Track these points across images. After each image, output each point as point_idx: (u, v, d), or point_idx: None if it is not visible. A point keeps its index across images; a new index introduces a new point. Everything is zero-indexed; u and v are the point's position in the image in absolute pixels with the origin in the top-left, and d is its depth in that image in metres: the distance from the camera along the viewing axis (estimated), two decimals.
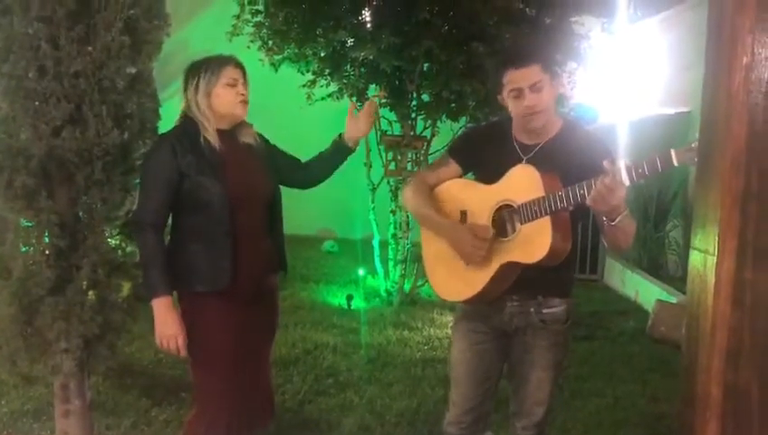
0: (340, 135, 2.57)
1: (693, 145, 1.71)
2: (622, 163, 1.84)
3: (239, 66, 2.40)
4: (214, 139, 2.33)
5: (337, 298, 6.34)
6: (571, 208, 2.02)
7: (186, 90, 2.37)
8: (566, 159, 2.11)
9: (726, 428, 1.44)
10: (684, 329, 1.61)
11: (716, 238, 1.46)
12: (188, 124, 2.35)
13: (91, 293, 2.67)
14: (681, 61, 7.10)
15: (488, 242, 2.16)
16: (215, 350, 2.35)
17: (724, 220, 1.44)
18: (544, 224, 2.05)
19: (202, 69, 2.34)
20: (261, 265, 2.44)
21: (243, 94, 2.37)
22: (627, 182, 1.84)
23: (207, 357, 2.35)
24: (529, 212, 2.08)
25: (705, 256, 1.51)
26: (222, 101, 2.33)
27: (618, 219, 1.98)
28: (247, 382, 2.43)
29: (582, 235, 2.31)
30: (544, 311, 2.27)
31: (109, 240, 2.72)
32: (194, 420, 2.42)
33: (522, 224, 2.10)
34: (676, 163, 1.76)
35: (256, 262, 2.40)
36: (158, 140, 2.40)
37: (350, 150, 2.58)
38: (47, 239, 2.59)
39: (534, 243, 2.08)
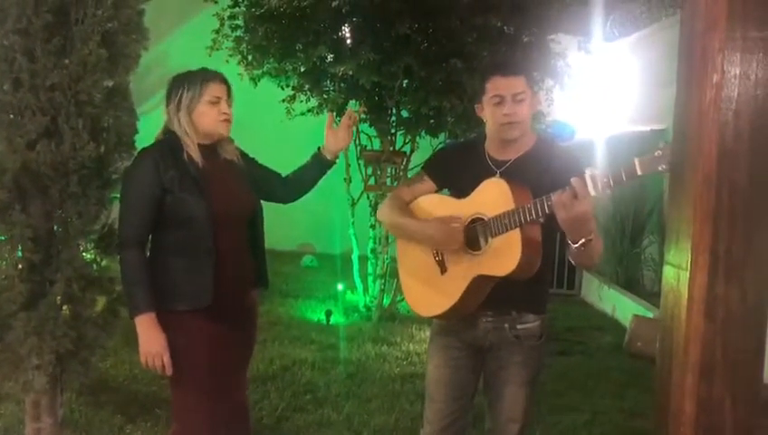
0: (319, 148, 2.57)
1: (656, 153, 1.74)
2: (587, 173, 1.86)
3: (224, 82, 2.35)
4: (196, 155, 2.29)
5: (316, 313, 6.31)
6: (541, 220, 2.03)
7: (167, 105, 2.32)
8: (538, 174, 2.13)
9: None
10: (658, 344, 1.63)
11: (689, 254, 1.48)
12: (171, 139, 2.31)
13: (65, 308, 2.64)
14: (656, 79, 7.22)
15: (460, 227, 2.17)
16: (195, 369, 2.30)
17: (697, 236, 1.46)
18: (514, 236, 2.06)
19: (184, 85, 2.29)
20: (242, 281, 2.41)
21: (226, 113, 2.32)
22: (592, 192, 1.86)
23: (187, 376, 2.30)
24: (499, 225, 2.09)
25: (679, 271, 1.53)
26: (204, 119, 2.29)
27: (580, 242, 1.97)
28: (226, 400, 2.39)
29: (560, 250, 2.32)
30: (518, 327, 2.27)
31: (84, 254, 2.69)
32: None
33: (492, 237, 2.12)
34: (639, 172, 1.77)
35: (238, 279, 2.37)
36: (140, 155, 2.33)
37: (330, 163, 2.57)
38: (20, 253, 2.56)
39: (504, 256, 2.08)
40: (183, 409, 2.36)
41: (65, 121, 2.53)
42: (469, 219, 2.19)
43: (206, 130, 2.30)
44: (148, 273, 2.25)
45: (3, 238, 2.56)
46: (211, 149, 2.35)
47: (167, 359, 2.23)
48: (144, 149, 2.36)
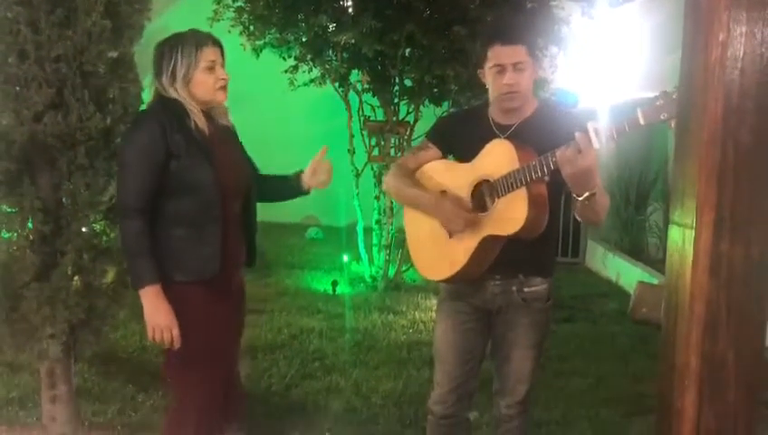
0: (299, 173, 2.42)
1: (657, 103, 1.75)
2: (590, 126, 1.87)
3: (217, 44, 2.20)
4: (202, 122, 2.17)
5: (322, 284, 6.36)
6: (546, 178, 2.05)
7: (159, 75, 2.17)
8: (542, 136, 2.12)
9: (703, 395, 1.48)
10: (663, 302, 1.65)
11: (694, 212, 1.49)
12: (170, 103, 2.16)
13: (75, 278, 2.67)
14: (662, 45, 7.15)
15: (468, 209, 2.19)
16: (197, 343, 2.20)
17: (702, 194, 1.47)
18: (520, 195, 2.08)
19: (177, 52, 2.14)
20: (240, 254, 2.33)
21: (223, 79, 2.20)
22: (596, 145, 1.87)
23: (189, 351, 2.19)
24: (505, 185, 2.11)
25: (684, 230, 1.55)
26: (201, 87, 2.16)
27: (584, 196, 1.99)
28: (222, 375, 2.33)
29: (564, 218, 2.34)
30: (526, 290, 2.30)
31: (93, 225, 2.72)
32: (176, 415, 2.31)
33: (498, 197, 2.14)
34: (642, 122, 1.81)
35: (238, 251, 2.31)
36: (142, 117, 2.17)
37: (303, 193, 2.44)
38: (30, 225, 2.58)
39: (511, 214, 2.11)
40: (184, 386, 2.28)
41: (71, 93, 2.54)
42: (475, 182, 2.21)
43: (203, 98, 2.18)
44: (152, 242, 2.13)
45: (13, 211, 2.58)
46: (207, 115, 2.22)
47: (176, 332, 2.14)
48: (145, 111, 2.21)
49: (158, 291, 2.12)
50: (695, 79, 1.53)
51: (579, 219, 2.18)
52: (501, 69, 2.18)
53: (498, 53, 2.18)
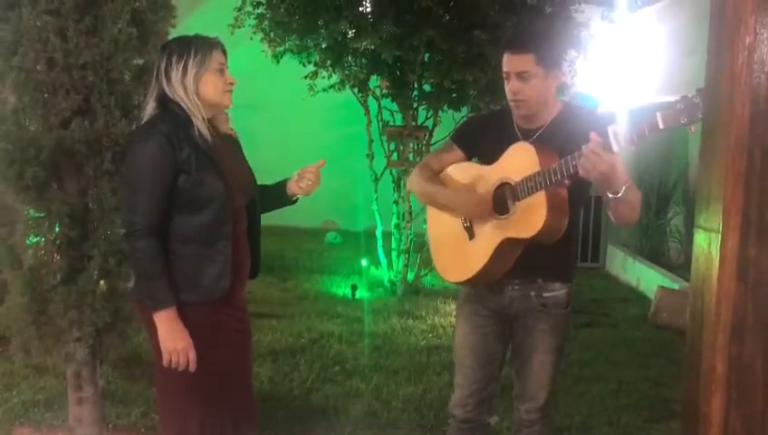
0: (283, 182, 2.33)
1: (677, 106, 1.75)
2: (609, 130, 1.87)
3: (224, 51, 2.15)
4: (205, 130, 2.07)
5: (341, 289, 6.38)
6: (566, 181, 2.05)
7: (167, 72, 2.06)
8: (568, 138, 2.12)
9: (730, 399, 1.48)
10: (689, 307, 1.65)
11: (721, 216, 1.49)
12: (174, 111, 2.06)
13: (101, 282, 2.71)
14: (681, 48, 7.11)
15: (489, 206, 2.20)
16: (208, 367, 2.08)
17: (728, 198, 1.47)
18: (540, 199, 2.09)
19: (191, 49, 2.06)
20: (247, 269, 2.25)
21: (231, 82, 2.14)
22: (615, 148, 1.88)
23: (184, 375, 2.06)
24: (525, 188, 2.11)
25: (710, 235, 1.55)
26: (210, 88, 2.08)
27: (620, 193, 1.99)
28: (227, 400, 2.19)
29: (584, 222, 2.34)
30: (545, 295, 2.29)
31: (118, 230, 2.75)
32: None
33: (518, 200, 2.14)
34: (662, 126, 1.79)
35: (246, 266, 2.23)
36: (148, 131, 2.05)
37: (289, 203, 2.34)
38: (58, 229, 2.62)
39: (530, 218, 2.11)
40: (174, 413, 2.15)
41: (98, 100, 2.58)
42: (497, 184, 2.22)
43: (211, 100, 2.09)
44: (166, 263, 2.04)
45: (41, 215, 2.62)
46: (209, 124, 2.12)
47: (192, 355, 2.04)
48: (150, 123, 2.08)
49: (174, 313, 2.04)
50: (721, 83, 1.53)
51: (614, 220, 2.17)
52: (507, 77, 2.21)
53: (506, 61, 2.21)
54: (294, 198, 2.32)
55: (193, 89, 2.06)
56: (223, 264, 2.08)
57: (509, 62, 2.19)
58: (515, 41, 2.26)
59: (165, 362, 2.04)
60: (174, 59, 2.06)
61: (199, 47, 2.07)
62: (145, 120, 2.10)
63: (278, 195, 2.32)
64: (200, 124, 2.06)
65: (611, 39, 7.01)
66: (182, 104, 2.05)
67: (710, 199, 1.56)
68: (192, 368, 2.05)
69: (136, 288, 2.15)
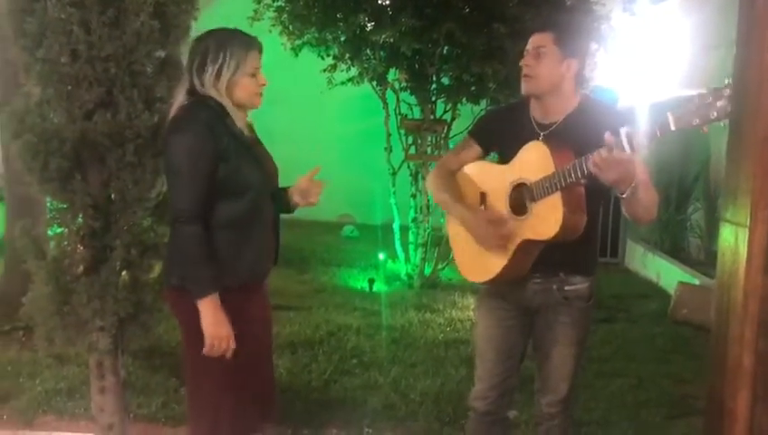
0: (286, 189, 2.34)
1: (690, 107, 1.72)
2: (622, 132, 1.85)
3: (261, 50, 2.17)
4: (241, 121, 2.14)
5: (358, 282, 6.39)
6: (582, 182, 2.04)
7: (200, 70, 2.10)
8: (583, 135, 2.10)
9: (757, 394, 1.46)
10: (714, 301, 1.63)
11: (749, 210, 1.47)
12: (209, 104, 2.11)
13: (124, 273, 2.73)
14: (704, 41, 7.02)
15: (504, 228, 2.20)
16: (239, 350, 2.12)
17: (757, 191, 1.46)
18: (555, 200, 2.08)
19: (225, 51, 2.09)
20: (273, 255, 2.30)
21: (263, 84, 2.17)
22: (627, 150, 1.86)
23: (226, 368, 2.12)
24: (540, 189, 2.11)
25: (737, 229, 1.53)
26: (243, 91, 2.12)
27: (627, 192, 1.98)
28: (250, 386, 2.23)
29: (603, 218, 2.32)
30: (566, 288, 2.29)
31: (141, 221, 2.77)
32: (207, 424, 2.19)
33: (535, 202, 2.13)
34: (673, 127, 1.77)
35: (272, 252, 2.29)
36: (191, 120, 2.09)
37: (288, 211, 2.35)
38: (81, 220, 2.65)
39: (547, 220, 2.10)
40: (207, 404, 2.18)
41: (120, 92, 2.59)
42: (514, 184, 2.21)
43: (241, 101, 2.14)
44: (211, 250, 2.08)
45: (65, 206, 2.65)
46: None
47: (233, 342, 2.09)
48: (190, 113, 2.11)
49: (218, 301, 2.07)
50: (749, 77, 1.51)
51: (627, 217, 2.16)
52: (525, 54, 2.24)
53: (529, 42, 2.25)
54: (293, 208, 2.34)
55: (225, 91, 2.10)
56: (260, 249, 2.16)
57: (530, 42, 2.24)
58: (539, 23, 2.35)
59: (207, 348, 2.07)
60: (209, 59, 2.09)
61: (235, 50, 2.09)
62: (176, 109, 2.14)
63: (280, 202, 2.32)
64: (236, 116, 2.12)
65: (633, 32, 6.92)
66: (216, 98, 2.10)
67: (737, 193, 1.54)
68: (229, 356, 2.08)
69: (178, 276, 2.16)
